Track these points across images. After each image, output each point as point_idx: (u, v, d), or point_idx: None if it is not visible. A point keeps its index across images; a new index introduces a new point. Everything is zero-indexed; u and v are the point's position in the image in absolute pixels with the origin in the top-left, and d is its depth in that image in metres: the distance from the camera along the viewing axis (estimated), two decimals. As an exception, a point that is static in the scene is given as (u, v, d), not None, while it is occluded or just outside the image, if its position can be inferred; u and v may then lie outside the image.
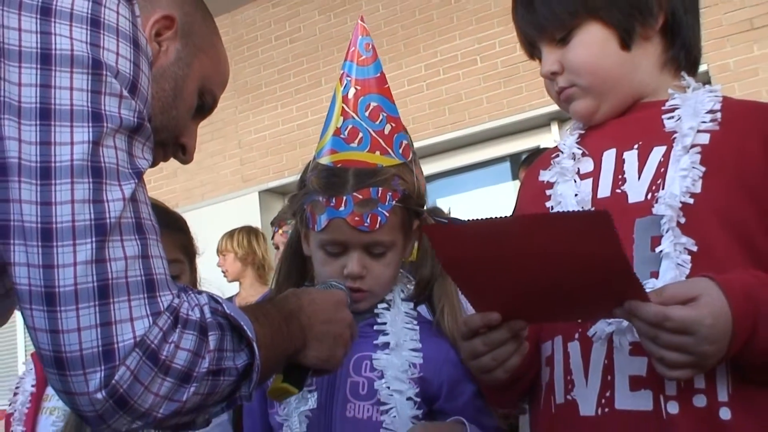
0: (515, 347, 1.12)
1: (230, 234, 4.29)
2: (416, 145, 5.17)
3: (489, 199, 4.88)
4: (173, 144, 1.16)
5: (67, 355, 0.80)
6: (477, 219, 0.94)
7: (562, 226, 0.95)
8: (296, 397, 1.37)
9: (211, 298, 0.92)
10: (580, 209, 1.16)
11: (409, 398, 1.36)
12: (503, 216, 0.97)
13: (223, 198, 5.63)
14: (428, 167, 4.90)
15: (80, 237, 0.80)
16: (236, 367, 0.91)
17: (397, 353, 1.39)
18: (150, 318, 0.82)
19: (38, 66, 0.83)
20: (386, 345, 1.40)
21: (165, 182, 5.79)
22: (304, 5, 5.60)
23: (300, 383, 1.14)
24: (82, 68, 0.84)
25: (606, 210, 0.90)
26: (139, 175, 0.88)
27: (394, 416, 1.34)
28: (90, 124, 0.83)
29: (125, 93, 0.88)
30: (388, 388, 1.36)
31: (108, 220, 0.82)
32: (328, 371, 1.17)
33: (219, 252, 4.24)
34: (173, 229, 1.57)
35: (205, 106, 1.19)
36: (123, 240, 0.83)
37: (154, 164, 1.14)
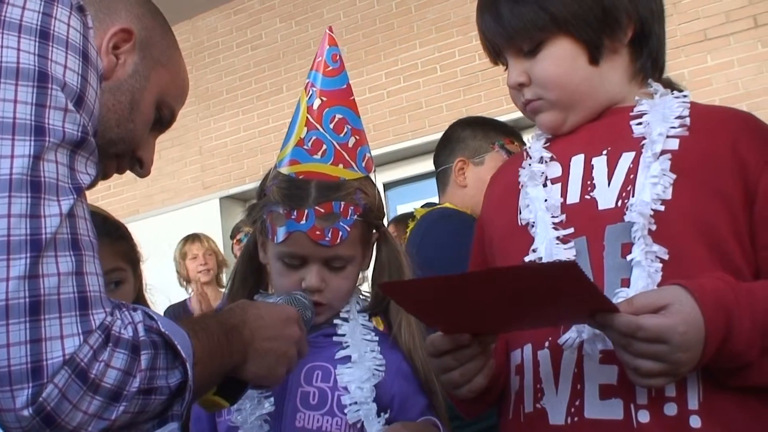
0: (484, 362, 1.12)
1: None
2: (377, 152, 5.16)
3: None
4: (130, 157, 1.15)
5: None
6: (438, 275, 0.94)
7: (530, 278, 0.95)
8: (251, 403, 1.36)
9: (146, 315, 0.91)
10: (550, 216, 1.16)
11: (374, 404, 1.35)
12: (465, 272, 0.95)
13: (184, 204, 5.58)
14: (389, 174, 4.92)
15: (15, 252, 0.79)
16: (168, 386, 0.90)
17: (360, 365, 1.37)
18: (81, 336, 0.82)
19: None
20: (348, 358, 1.38)
21: (125, 188, 5.73)
22: (266, 13, 5.60)
23: (234, 397, 1.12)
24: (28, 81, 0.84)
25: (574, 262, 0.90)
26: (79, 190, 0.87)
27: None
28: (32, 138, 0.83)
29: (71, 106, 0.87)
30: (356, 403, 1.35)
31: (43, 236, 0.81)
32: (267, 387, 1.16)
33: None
34: (114, 237, 1.55)
35: (163, 120, 1.17)
36: (57, 256, 0.82)
37: (107, 176, 1.14)
